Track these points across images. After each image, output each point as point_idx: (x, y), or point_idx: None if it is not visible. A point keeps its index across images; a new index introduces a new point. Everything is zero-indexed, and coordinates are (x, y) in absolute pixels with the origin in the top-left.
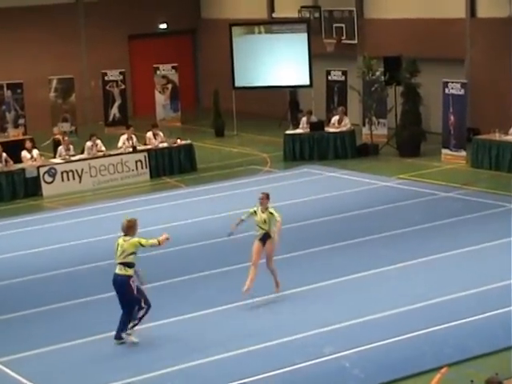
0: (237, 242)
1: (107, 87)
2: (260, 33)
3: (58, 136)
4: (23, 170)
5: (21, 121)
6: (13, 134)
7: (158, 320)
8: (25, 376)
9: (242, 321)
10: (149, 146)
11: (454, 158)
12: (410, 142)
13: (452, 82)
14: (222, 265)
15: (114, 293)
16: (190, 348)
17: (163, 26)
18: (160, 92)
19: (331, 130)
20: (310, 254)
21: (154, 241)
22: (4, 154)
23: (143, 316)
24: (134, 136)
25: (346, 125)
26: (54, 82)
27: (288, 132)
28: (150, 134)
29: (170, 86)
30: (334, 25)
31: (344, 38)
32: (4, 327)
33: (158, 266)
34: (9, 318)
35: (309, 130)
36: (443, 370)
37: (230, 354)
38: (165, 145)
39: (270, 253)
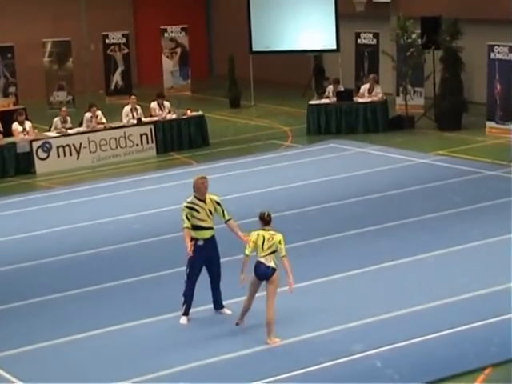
0: None
1: (109, 51)
2: None
3: None
4: (14, 144)
5: (11, 89)
6: (2, 103)
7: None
8: (17, 375)
9: (259, 315)
10: (155, 118)
11: (500, 132)
12: (450, 114)
13: (498, 46)
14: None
15: (114, 283)
16: (193, 346)
17: None
18: (168, 57)
19: (361, 100)
20: (338, 239)
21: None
22: None
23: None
24: (138, 107)
25: (378, 94)
26: (49, 46)
27: (312, 102)
28: (154, 105)
29: (179, 50)
30: None
31: None
32: None
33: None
34: None
35: (335, 100)
36: (487, 371)
37: (246, 351)
38: (173, 116)
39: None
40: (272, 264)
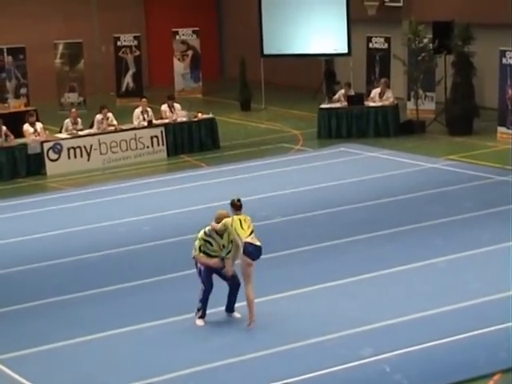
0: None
1: (120, 53)
2: None
3: None
4: (25, 145)
5: (23, 90)
6: (14, 105)
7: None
8: (25, 376)
9: (266, 318)
10: (166, 121)
11: None
12: (462, 119)
13: (510, 51)
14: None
15: (124, 285)
16: (202, 349)
17: None
18: (179, 59)
19: (372, 104)
20: (347, 243)
21: None
22: (4, 128)
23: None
24: (149, 109)
25: (389, 98)
26: (61, 47)
27: (323, 106)
28: (165, 107)
29: (190, 52)
30: None
31: None
32: (1, 321)
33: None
34: (7, 312)
35: (346, 104)
36: (496, 377)
37: (254, 355)
38: (184, 119)
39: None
40: (259, 243)
